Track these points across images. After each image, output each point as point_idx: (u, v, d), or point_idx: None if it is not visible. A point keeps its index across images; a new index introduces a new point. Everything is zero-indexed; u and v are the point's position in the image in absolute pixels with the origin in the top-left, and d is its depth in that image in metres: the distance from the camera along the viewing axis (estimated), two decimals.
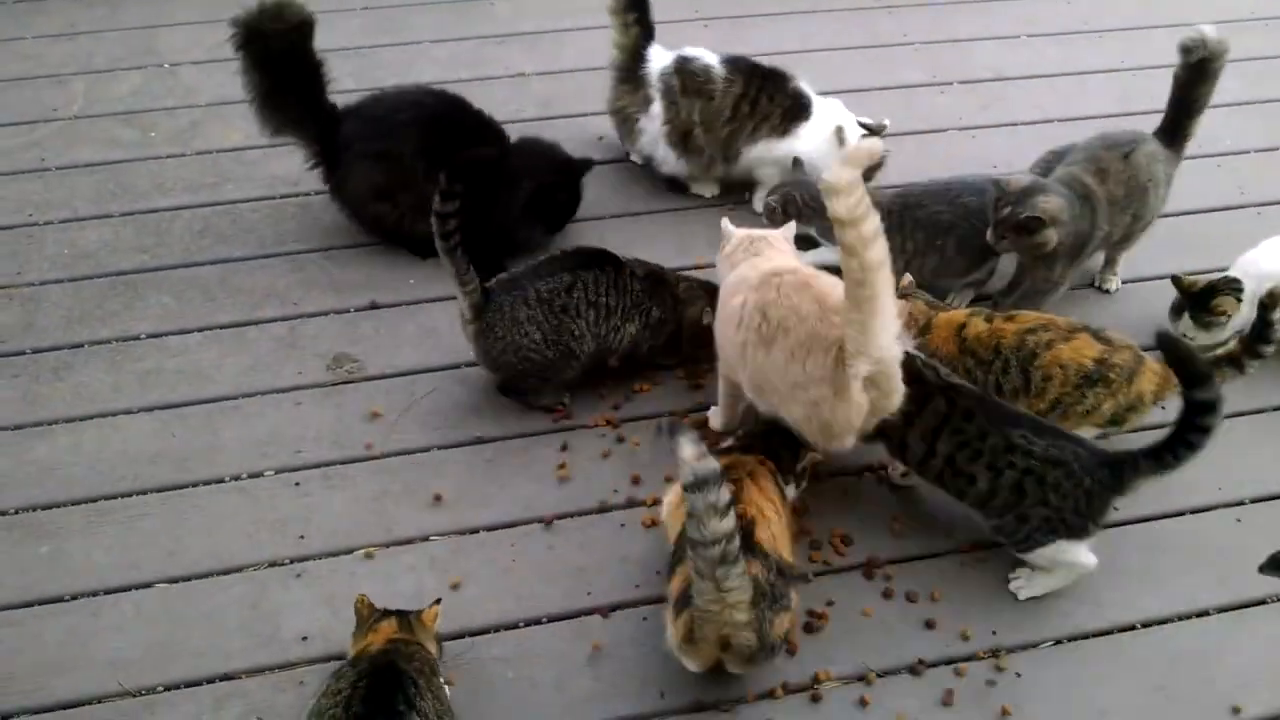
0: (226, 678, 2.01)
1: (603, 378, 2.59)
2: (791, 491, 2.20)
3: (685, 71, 2.99)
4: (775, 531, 2.00)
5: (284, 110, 2.77)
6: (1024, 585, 2.20)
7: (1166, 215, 2.87)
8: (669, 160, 3.10)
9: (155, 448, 2.41)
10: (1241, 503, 2.38)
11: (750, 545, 1.92)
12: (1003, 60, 3.83)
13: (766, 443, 2.20)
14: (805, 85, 3.03)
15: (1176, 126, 2.74)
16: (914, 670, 2.07)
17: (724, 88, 2.97)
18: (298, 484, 2.35)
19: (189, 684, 2.00)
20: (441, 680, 1.85)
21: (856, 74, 3.69)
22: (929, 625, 2.14)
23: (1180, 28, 2.68)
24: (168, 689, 1.99)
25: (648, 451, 2.44)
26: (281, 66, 2.70)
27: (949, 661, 2.08)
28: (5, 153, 3.26)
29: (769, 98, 2.99)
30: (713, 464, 1.72)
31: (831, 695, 2.02)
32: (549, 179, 2.87)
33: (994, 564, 2.23)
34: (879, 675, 2.05)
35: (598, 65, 3.53)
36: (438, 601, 1.92)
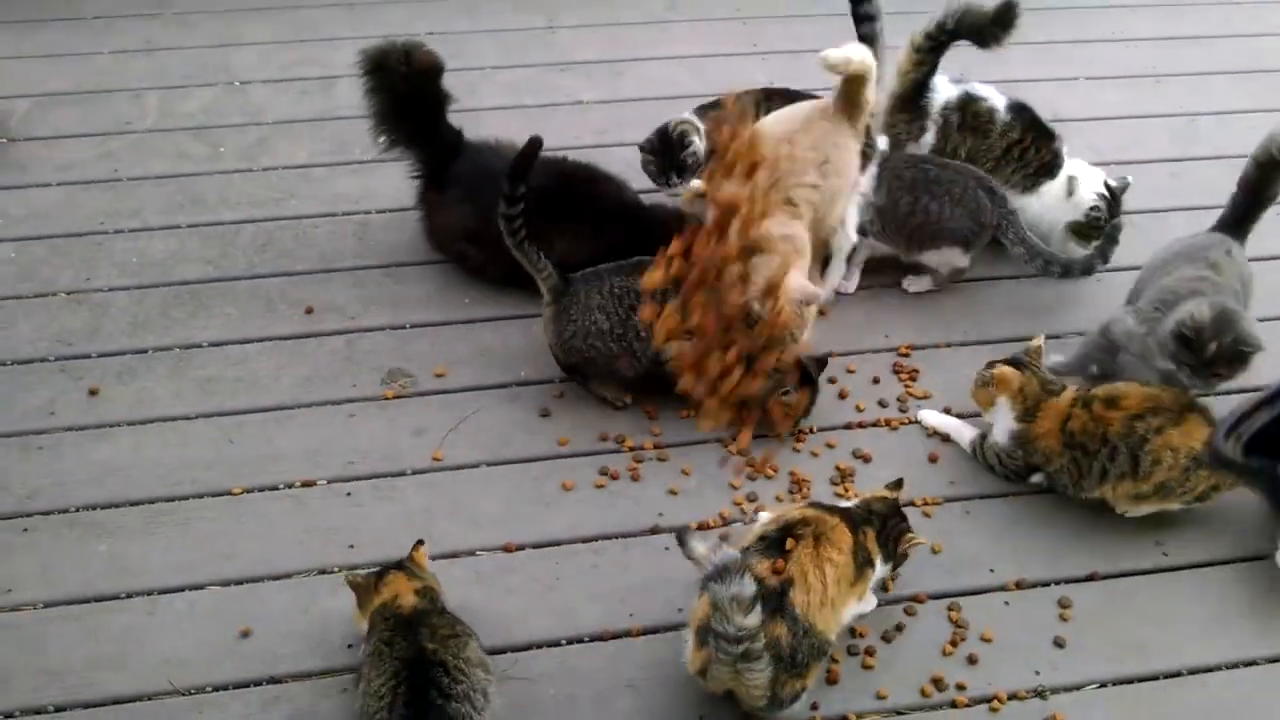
0: (274, 680, 2.05)
1: (654, 401, 2.62)
2: (883, 569, 2.14)
3: (970, 108, 3.05)
4: (817, 599, 1.94)
5: (400, 131, 2.86)
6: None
7: None
8: None
9: (213, 453, 2.47)
10: None
11: (781, 605, 1.90)
12: (1058, 101, 3.82)
13: (883, 516, 2.15)
14: (1064, 147, 3.09)
15: (1243, 220, 2.65)
16: (955, 704, 2.06)
17: (1002, 130, 3.04)
18: (349, 494, 2.40)
19: (237, 685, 2.04)
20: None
21: None
22: (971, 661, 2.13)
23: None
24: (216, 689, 2.03)
25: (696, 477, 2.46)
26: (404, 98, 2.80)
27: (987, 699, 2.07)
28: (80, 163, 3.37)
29: (1036, 150, 3.04)
30: (732, 554, 1.74)
31: None
32: None
33: (1037, 602, 2.22)
34: (916, 710, 2.05)
35: (654, 95, 3.61)
36: (420, 543, 2.08)
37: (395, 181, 3.23)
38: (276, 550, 2.27)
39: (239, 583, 2.21)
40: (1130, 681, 2.11)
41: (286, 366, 2.70)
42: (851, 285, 2.98)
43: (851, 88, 2.57)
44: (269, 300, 2.89)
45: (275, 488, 2.41)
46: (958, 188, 2.86)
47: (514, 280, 2.71)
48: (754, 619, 1.76)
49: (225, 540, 2.29)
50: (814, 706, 2.02)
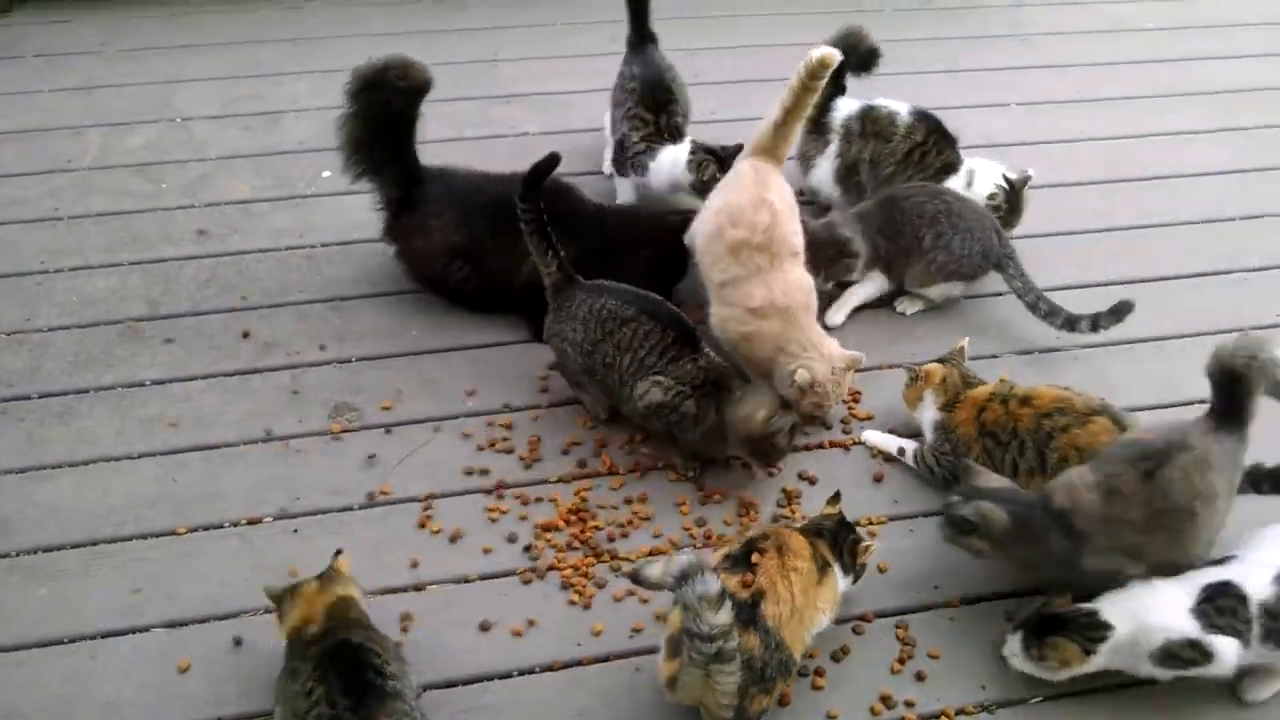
0: None
1: (608, 427, 2.65)
2: (845, 583, 2.16)
3: (870, 116, 3.21)
4: (788, 610, 1.97)
5: (372, 159, 2.86)
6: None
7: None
8: (833, 198, 3.31)
9: (156, 493, 2.45)
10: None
11: (754, 618, 1.93)
12: (991, 126, 3.93)
13: (833, 531, 2.18)
14: (962, 150, 3.23)
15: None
16: None
17: (905, 134, 3.17)
18: (295, 531, 2.38)
19: None
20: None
21: None
22: (919, 678, 2.15)
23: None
24: None
25: (646, 503, 2.48)
26: (387, 120, 2.80)
27: (935, 716, 2.10)
28: (21, 202, 3.34)
29: (937, 152, 3.17)
30: (689, 559, 1.75)
31: None
32: (666, 244, 2.90)
33: (982, 618, 2.26)
34: None
35: (599, 127, 3.64)
36: (339, 552, 2.07)
37: (339, 215, 3.25)
38: (222, 590, 2.24)
39: (184, 624, 2.18)
40: (1075, 694, 2.14)
41: (231, 403, 2.68)
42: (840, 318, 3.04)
43: (789, 120, 2.62)
44: (212, 337, 2.87)
45: (220, 526, 2.39)
46: (974, 223, 2.94)
47: (494, 292, 2.80)
48: (725, 615, 1.77)
49: (169, 581, 2.26)
50: None
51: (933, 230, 2.91)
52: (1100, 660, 2.03)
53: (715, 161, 3.00)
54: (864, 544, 2.17)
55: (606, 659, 2.17)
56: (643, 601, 2.26)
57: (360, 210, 3.01)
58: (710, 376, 2.46)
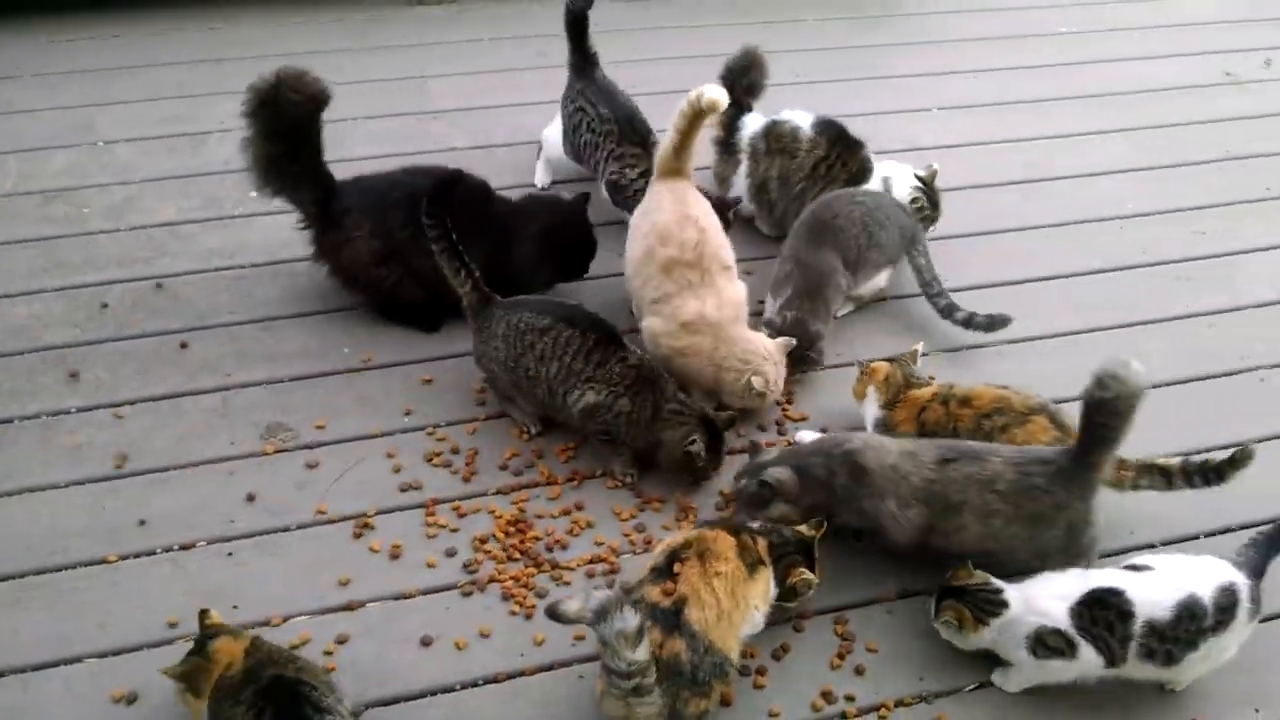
0: None
1: (544, 438, 2.66)
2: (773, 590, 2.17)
3: (773, 133, 3.23)
4: (714, 614, 1.99)
5: (285, 176, 2.83)
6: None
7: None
8: (756, 215, 3.36)
9: (85, 521, 2.40)
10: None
11: (678, 624, 1.95)
12: (914, 130, 4.02)
13: (781, 545, 2.19)
14: (872, 154, 3.26)
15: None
16: (845, 716, 2.12)
17: (808, 149, 3.19)
18: (230, 554, 2.35)
19: None
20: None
21: None
22: (859, 672, 2.19)
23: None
24: None
25: (585, 511, 2.49)
26: (289, 135, 2.77)
27: (876, 708, 2.14)
28: None
29: (843, 163, 3.19)
30: (606, 594, 1.77)
31: None
32: (553, 224, 2.98)
33: (919, 611, 2.30)
34: None
35: (526, 140, 3.66)
36: (205, 611, 2.01)
37: (268, 234, 3.22)
38: (155, 618, 2.21)
39: (116, 653, 2.14)
40: None
41: (160, 427, 2.64)
42: None
43: (686, 144, 2.71)
44: (140, 361, 2.83)
45: (153, 552, 2.35)
46: (891, 210, 3.04)
47: (433, 292, 2.78)
48: (643, 653, 1.79)
49: (101, 610, 2.22)
50: None
51: (865, 233, 2.96)
52: (990, 634, 2.11)
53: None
54: (798, 571, 2.15)
55: (550, 668, 2.17)
56: None
57: (289, 229, 2.99)
58: (641, 374, 2.50)
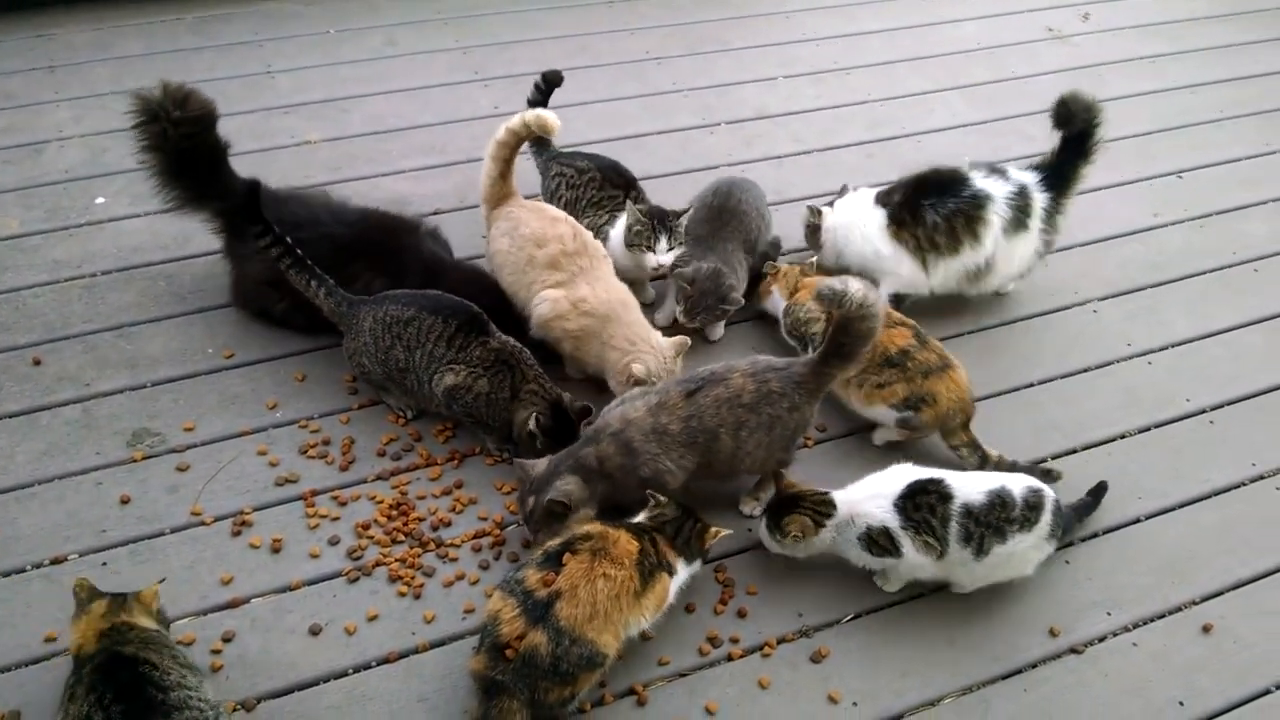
0: None
1: (420, 420, 2.68)
2: (688, 572, 2.24)
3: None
4: (586, 613, 2.00)
5: (185, 190, 2.79)
6: None
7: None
8: None
9: None
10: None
11: (544, 616, 1.98)
12: (763, 100, 4.15)
13: (677, 522, 2.25)
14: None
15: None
16: (730, 658, 2.22)
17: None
18: (105, 564, 2.31)
19: None
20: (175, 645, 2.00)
21: (635, 122, 3.93)
22: (741, 615, 2.30)
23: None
24: None
25: (469, 489, 2.53)
26: (181, 150, 2.71)
27: (759, 648, 2.25)
28: None
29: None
30: None
31: (657, 694, 2.16)
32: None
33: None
34: (696, 670, 2.20)
35: (382, 129, 3.65)
36: (161, 580, 2.08)
37: (118, 240, 3.14)
38: (30, 635, 2.16)
39: None
40: (879, 609, 2.34)
41: (20, 444, 2.56)
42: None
43: (506, 174, 2.86)
44: None
45: (23, 570, 2.29)
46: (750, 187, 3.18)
47: (322, 323, 2.73)
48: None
49: None
50: (602, 684, 2.13)
51: (760, 217, 3.13)
52: (827, 536, 2.28)
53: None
54: (711, 530, 2.27)
55: (442, 643, 2.21)
56: (472, 583, 2.33)
57: (140, 234, 2.93)
58: (501, 357, 2.55)
